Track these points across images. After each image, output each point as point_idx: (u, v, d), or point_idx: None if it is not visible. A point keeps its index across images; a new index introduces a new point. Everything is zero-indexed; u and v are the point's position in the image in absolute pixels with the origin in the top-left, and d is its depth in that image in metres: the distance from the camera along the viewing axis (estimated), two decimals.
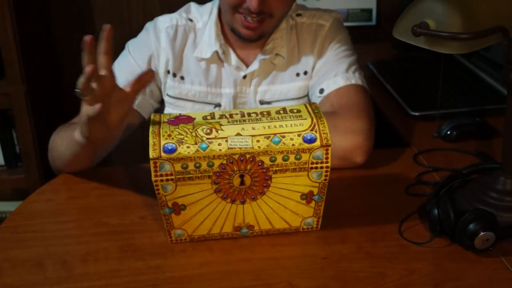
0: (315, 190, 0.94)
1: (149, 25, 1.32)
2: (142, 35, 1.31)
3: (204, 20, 1.30)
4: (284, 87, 1.31)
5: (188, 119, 0.92)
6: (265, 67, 1.29)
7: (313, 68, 1.31)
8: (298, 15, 1.32)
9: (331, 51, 1.30)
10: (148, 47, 1.28)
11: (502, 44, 0.91)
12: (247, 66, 1.29)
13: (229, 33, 1.28)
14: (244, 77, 1.29)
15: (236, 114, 0.93)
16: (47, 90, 2.02)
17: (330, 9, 1.36)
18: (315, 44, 1.30)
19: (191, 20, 1.31)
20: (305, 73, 1.31)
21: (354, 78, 1.26)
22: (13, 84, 1.81)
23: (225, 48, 1.28)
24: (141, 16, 2.05)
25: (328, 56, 1.30)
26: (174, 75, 1.29)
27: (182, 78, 1.29)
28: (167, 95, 1.30)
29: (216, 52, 1.27)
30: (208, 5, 1.32)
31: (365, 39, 2.09)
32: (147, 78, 0.95)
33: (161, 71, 1.29)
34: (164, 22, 1.30)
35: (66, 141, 1.10)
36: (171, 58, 1.28)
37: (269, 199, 0.94)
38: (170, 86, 1.30)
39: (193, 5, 1.34)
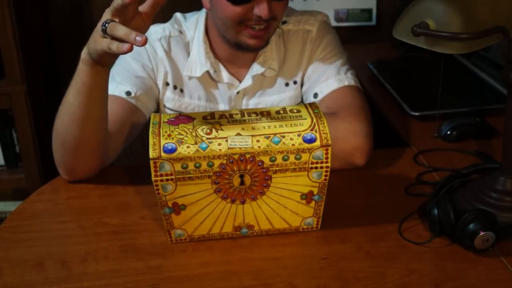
0: (315, 190, 0.94)
1: None
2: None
3: (190, 35, 1.28)
4: (274, 98, 1.30)
5: (188, 119, 0.92)
6: (255, 80, 1.28)
7: (303, 77, 1.30)
8: (284, 22, 1.30)
9: (321, 55, 1.29)
10: (145, 58, 1.26)
11: (502, 44, 0.91)
12: (239, 81, 1.29)
13: (219, 48, 1.26)
14: (238, 92, 1.29)
15: (236, 114, 0.93)
16: (47, 90, 2.03)
17: (316, 10, 1.34)
18: (304, 52, 1.29)
19: (181, 32, 1.29)
20: (295, 82, 1.30)
21: (347, 79, 1.25)
22: (13, 84, 1.81)
23: (216, 66, 1.27)
24: None
25: (318, 61, 1.29)
26: (175, 87, 1.28)
27: (181, 91, 1.29)
28: (166, 107, 1.29)
29: (208, 71, 1.26)
30: (193, 19, 1.29)
31: (365, 39, 2.09)
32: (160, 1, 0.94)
33: (159, 83, 1.27)
34: (156, 33, 1.27)
35: (71, 90, 1.04)
36: (169, 70, 1.26)
37: (269, 199, 0.94)
38: (169, 98, 1.28)
39: (179, 16, 1.31)
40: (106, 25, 0.89)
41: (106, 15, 0.92)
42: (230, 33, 1.19)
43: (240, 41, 1.19)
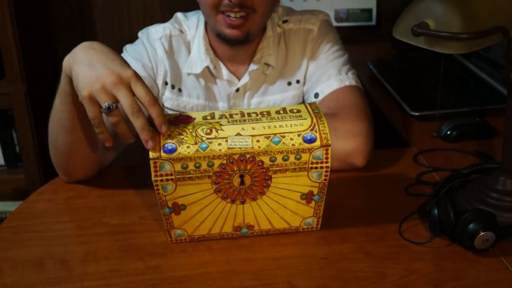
0: (315, 190, 0.94)
1: (142, 36, 1.30)
2: (138, 46, 1.29)
3: (191, 34, 1.29)
4: (277, 97, 1.30)
5: (188, 119, 0.92)
6: (256, 78, 1.28)
7: (305, 75, 1.30)
8: (285, 21, 1.30)
9: (322, 54, 1.29)
10: (145, 58, 1.26)
11: (502, 44, 0.91)
12: (239, 79, 1.29)
13: (217, 46, 1.26)
14: (237, 90, 1.29)
15: (236, 114, 0.93)
16: (47, 90, 2.02)
17: (317, 10, 1.34)
18: (305, 51, 1.29)
19: (181, 31, 1.29)
20: (297, 81, 1.30)
21: (348, 79, 1.25)
22: (13, 84, 1.81)
23: (216, 63, 1.27)
24: (141, 16, 2.04)
25: (319, 60, 1.29)
26: (173, 86, 1.28)
27: (180, 90, 1.29)
28: (165, 106, 1.29)
29: (207, 67, 1.26)
30: (194, 18, 1.30)
31: (365, 39, 2.10)
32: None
33: (159, 82, 1.27)
34: (157, 33, 1.28)
35: (57, 97, 1.02)
36: (169, 69, 1.27)
37: (269, 199, 0.94)
38: (167, 98, 1.29)
39: (180, 16, 1.32)
40: (112, 108, 0.89)
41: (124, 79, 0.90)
42: (211, 22, 1.20)
43: (219, 30, 1.19)
